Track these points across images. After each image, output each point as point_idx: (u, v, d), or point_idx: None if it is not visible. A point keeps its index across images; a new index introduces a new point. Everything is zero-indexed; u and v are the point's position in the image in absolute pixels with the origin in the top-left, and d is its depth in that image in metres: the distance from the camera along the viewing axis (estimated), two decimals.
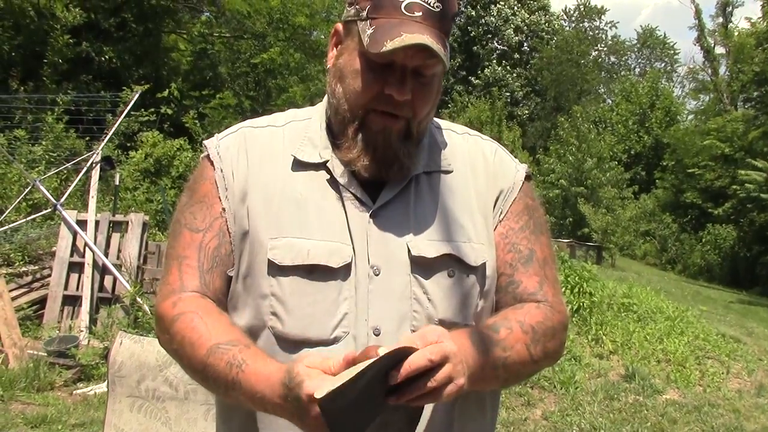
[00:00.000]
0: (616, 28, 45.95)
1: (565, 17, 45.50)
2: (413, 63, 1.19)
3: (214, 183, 1.30)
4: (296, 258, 1.22)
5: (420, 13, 1.18)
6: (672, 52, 47.11)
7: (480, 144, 1.41)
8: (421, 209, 1.28)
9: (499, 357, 1.18)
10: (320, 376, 1.00)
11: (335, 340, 1.20)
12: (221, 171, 1.30)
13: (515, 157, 1.44)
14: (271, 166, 1.30)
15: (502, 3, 39.08)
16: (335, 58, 1.29)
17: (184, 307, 1.24)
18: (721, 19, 33.85)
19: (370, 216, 1.25)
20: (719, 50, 33.14)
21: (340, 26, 1.30)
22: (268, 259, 1.22)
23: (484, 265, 1.28)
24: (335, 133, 1.30)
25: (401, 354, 1.00)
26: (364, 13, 1.21)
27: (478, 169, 1.36)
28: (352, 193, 1.26)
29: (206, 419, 2.21)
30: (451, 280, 1.25)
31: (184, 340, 1.21)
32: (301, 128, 1.34)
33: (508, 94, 37.27)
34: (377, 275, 1.22)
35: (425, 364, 1.00)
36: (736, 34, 31.70)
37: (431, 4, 1.19)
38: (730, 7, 33.56)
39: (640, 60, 48.30)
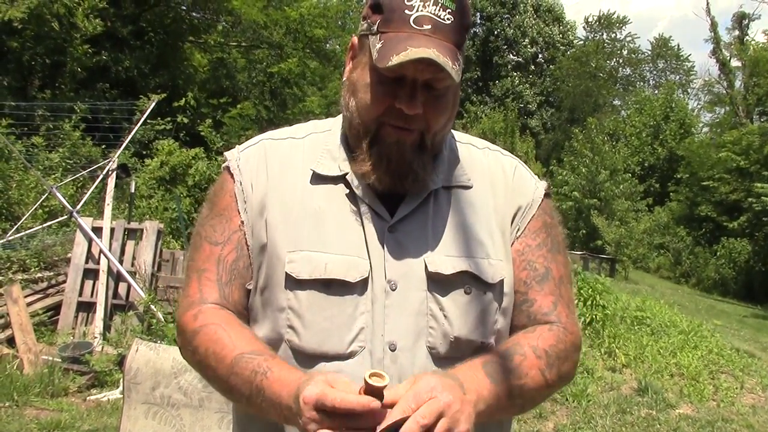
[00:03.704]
0: (634, 43, 45.53)
1: (585, 26, 45.42)
2: (423, 76, 1.18)
3: (234, 196, 1.31)
4: (314, 272, 1.22)
5: (429, 26, 1.17)
6: (687, 63, 46.84)
7: (500, 159, 1.40)
8: (440, 224, 1.28)
9: (515, 385, 1.18)
10: (326, 386, 1.01)
11: (351, 355, 1.20)
12: (240, 184, 1.31)
13: (528, 168, 1.44)
14: (291, 179, 1.30)
15: (520, 15, 39.11)
16: (350, 72, 1.30)
17: (205, 319, 1.25)
18: (737, 32, 33.71)
19: (388, 230, 1.25)
20: (735, 63, 32.99)
21: (355, 40, 1.30)
22: (286, 273, 1.23)
23: (501, 282, 1.28)
24: (351, 146, 1.30)
25: (395, 426, 0.99)
26: (375, 28, 1.21)
27: (498, 184, 1.35)
28: (369, 206, 1.26)
29: (220, 427, 2.22)
30: (468, 297, 1.24)
31: (207, 351, 1.22)
32: (321, 140, 1.35)
33: (521, 105, 37.25)
34: (394, 290, 1.22)
35: (418, 430, 0.98)
36: (752, 47, 31.56)
37: (441, 17, 1.18)
38: (746, 21, 33.46)
39: (654, 72, 48.04)
